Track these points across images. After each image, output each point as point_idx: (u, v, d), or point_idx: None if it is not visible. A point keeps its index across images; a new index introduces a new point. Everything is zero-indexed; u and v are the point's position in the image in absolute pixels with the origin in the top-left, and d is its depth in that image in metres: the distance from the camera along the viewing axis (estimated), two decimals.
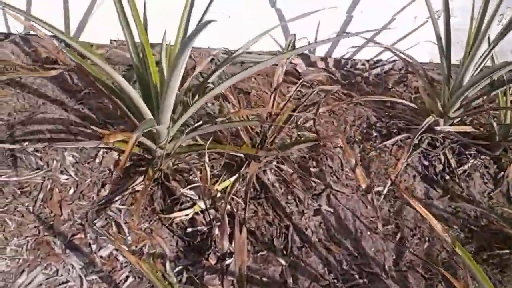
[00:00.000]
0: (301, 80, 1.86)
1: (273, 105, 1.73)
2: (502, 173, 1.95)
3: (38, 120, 1.71)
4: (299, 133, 1.87)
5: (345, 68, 2.46)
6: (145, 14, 1.61)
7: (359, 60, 2.50)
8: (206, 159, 1.52)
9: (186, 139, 1.58)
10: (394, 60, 2.50)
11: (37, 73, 1.73)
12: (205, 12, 1.65)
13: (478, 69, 1.86)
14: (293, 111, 1.76)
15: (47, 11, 2.03)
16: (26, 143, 1.58)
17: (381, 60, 2.51)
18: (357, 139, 2.04)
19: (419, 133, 1.87)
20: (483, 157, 1.98)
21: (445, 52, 1.95)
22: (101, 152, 1.66)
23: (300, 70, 2.34)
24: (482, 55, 1.81)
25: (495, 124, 1.90)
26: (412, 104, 2.04)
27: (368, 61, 2.51)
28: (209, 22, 1.06)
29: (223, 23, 2.28)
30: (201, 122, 1.61)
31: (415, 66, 2.08)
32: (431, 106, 2.05)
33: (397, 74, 2.44)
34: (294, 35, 2.20)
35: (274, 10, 2.27)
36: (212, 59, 2.27)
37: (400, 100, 2.04)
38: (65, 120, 1.75)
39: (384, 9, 2.37)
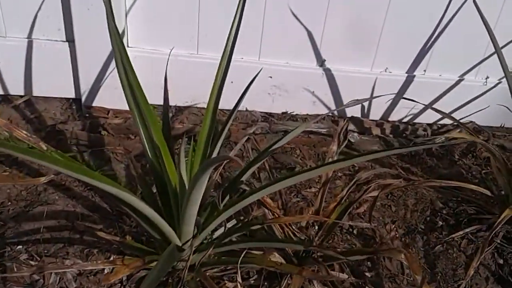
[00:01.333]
0: (354, 180, 1.57)
1: (320, 206, 1.47)
2: None
3: (36, 214, 1.50)
4: (350, 241, 1.60)
5: (403, 135, 2.17)
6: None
7: (420, 124, 2.21)
8: (239, 278, 1.27)
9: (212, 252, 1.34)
10: (464, 123, 2.20)
11: (25, 180, 1.52)
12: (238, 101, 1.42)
13: None
14: (345, 210, 1.49)
15: (54, 76, 1.87)
16: (19, 246, 1.36)
17: (445, 125, 2.21)
18: (419, 229, 1.75)
19: (494, 230, 1.57)
20: None
21: None
22: None
23: (352, 140, 2.07)
24: None
25: None
26: (485, 191, 1.73)
27: (430, 125, 2.22)
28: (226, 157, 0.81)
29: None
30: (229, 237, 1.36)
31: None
32: (505, 188, 1.75)
33: (464, 143, 2.13)
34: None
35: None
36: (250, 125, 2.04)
37: (470, 186, 1.73)
38: (70, 213, 1.53)
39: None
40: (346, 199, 1.54)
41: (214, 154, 1.34)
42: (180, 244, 1.32)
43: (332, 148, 1.55)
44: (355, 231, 1.72)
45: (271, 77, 2.04)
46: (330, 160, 1.53)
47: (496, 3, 1.95)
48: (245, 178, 1.48)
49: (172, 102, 2.05)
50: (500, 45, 1.93)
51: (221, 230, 1.44)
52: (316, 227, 1.49)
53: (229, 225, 1.47)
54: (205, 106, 1.39)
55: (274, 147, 1.43)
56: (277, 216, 1.42)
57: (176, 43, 1.90)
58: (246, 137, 1.74)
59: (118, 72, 1.30)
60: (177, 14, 1.86)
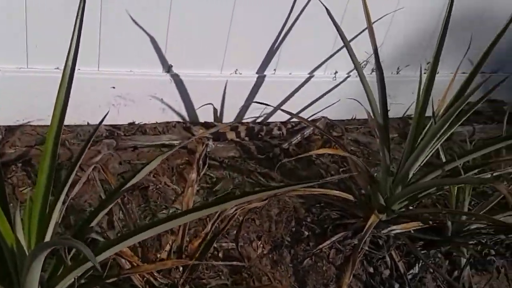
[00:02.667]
0: (217, 214, 1.41)
1: (182, 242, 1.32)
2: (456, 271, 1.67)
3: None
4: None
5: (259, 136, 2.09)
6: None
7: (275, 123, 2.14)
8: None
9: None
10: (316, 120, 2.17)
11: None
12: None
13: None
14: (209, 244, 1.36)
15: None
16: None
17: (300, 122, 2.16)
18: (286, 242, 1.68)
19: (363, 239, 1.55)
20: (433, 251, 1.69)
21: (382, 135, 1.63)
22: None
23: (207, 149, 1.93)
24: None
25: (449, 223, 1.62)
26: (347, 195, 1.71)
27: (285, 123, 2.16)
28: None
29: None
30: None
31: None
32: (366, 188, 1.74)
33: (320, 140, 2.10)
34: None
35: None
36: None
37: (332, 192, 1.70)
38: None
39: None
40: (211, 230, 1.40)
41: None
42: None
43: (192, 176, 1.39)
44: (220, 254, 1.61)
45: (114, 87, 1.82)
46: (190, 189, 1.37)
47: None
48: (95, 222, 1.27)
49: (1, 123, 1.75)
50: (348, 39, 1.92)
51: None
52: (181, 268, 1.34)
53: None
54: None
55: (126, 186, 1.24)
56: (135, 265, 1.24)
57: (1, 57, 1.62)
58: (93, 166, 1.52)
59: None
60: None
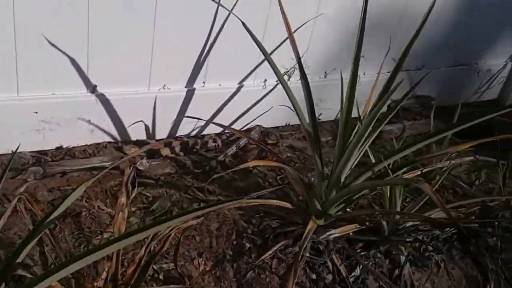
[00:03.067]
0: (150, 238, 1.37)
1: (117, 270, 1.27)
2: (397, 270, 1.70)
3: None
4: None
5: (194, 150, 2.06)
6: None
7: (209, 136, 2.11)
8: None
9: None
10: (251, 129, 2.16)
11: None
12: None
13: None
14: (145, 269, 1.31)
15: None
16: None
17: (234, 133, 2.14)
18: (228, 256, 1.66)
19: (303, 246, 1.54)
20: (372, 251, 1.71)
21: (311, 142, 1.64)
22: None
23: (141, 168, 1.89)
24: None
25: (384, 223, 1.64)
26: (285, 204, 1.70)
27: (219, 135, 2.14)
28: None
29: None
30: None
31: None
32: (303, 195, 1.74)
33: (256, 149, 2.09)
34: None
35: None
36: None
37: (271, 202, 1.69)
38: None
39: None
40: (145, 254, 1.36)
41: None
42: None
43: (121, 200, 1.35)
44: (161, 276, 1.57)
45: (36, 112, 1.75)
46: (120, 214, 1.33)
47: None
48: (23, 257, 1.21)
49: None
50: (271, 49, 1.93)
51: None
52: None
53: None
54: None
55: (53, 215, 1.18)
56: None
57: None
58: (17, 197, 1.45)
59: None
60: None
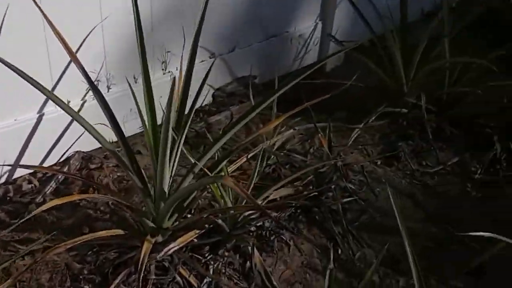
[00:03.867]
0: None
1: None
2: (248, 262, 1.63)
3: None
4: None
5: (8, 199, 1.82)
6: None
7: (23, 177, 1.89)
8: None
9: None
10: (70, 157, 1.97)
11: None
12: None
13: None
14: None
15: None
16: None
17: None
18: None
19: (141, 275, 1.41)
20: (221, 251, 1.63)
21: (123, 161, 1.50)
22: None
23: None
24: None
25: (220, 221, 1.56)
26: (117, 231, 1.56)
27: (34, 173, 1.91)
28: None
29: None
30: None
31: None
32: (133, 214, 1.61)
33: (80, 179, 1.90)
34: None
35: None
36: None
37: (98, 235, 1.53)
38: None
39: None
40: None
41: None
42: None
43: None
44: None
45: None
46: None
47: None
48: None
49: None
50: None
51: None
52: None
53: None
54: None
55: None
56: None
57: None
58: None
59: None
60: None
